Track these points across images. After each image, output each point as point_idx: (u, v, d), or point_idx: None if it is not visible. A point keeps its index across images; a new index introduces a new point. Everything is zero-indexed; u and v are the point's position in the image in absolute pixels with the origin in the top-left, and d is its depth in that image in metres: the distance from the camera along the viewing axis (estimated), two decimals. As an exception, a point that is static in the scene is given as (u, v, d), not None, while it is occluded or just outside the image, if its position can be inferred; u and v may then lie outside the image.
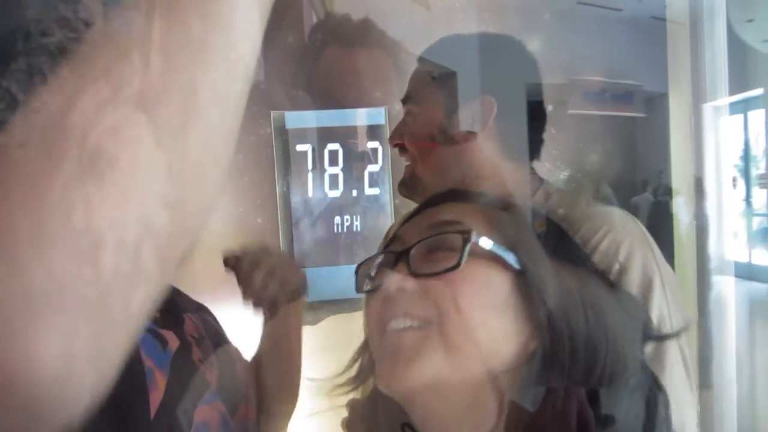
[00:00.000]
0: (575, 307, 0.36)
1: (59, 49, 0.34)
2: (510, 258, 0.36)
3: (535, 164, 0.61)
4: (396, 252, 0.38)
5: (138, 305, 0.23)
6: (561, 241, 0.41)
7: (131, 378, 0.45)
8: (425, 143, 0.58)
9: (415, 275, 0.36)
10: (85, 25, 0.42)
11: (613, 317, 0.37)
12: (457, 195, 0.42)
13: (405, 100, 0.61)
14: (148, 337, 0.48)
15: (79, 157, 0.20)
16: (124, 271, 0.21)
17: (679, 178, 1.22)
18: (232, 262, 0.58)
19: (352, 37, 0.75)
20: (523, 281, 0.36)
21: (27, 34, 0.31)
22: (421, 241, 0.37)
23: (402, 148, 0.62)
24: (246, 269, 0.57)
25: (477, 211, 0.40)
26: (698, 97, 1.24)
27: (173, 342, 0.50)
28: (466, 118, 0.54)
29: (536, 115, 0.60)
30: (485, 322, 0.36)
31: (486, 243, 0.36)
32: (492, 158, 0.54)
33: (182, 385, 0.48)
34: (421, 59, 0.62)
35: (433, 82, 0.58)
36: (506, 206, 0.41)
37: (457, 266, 0.35)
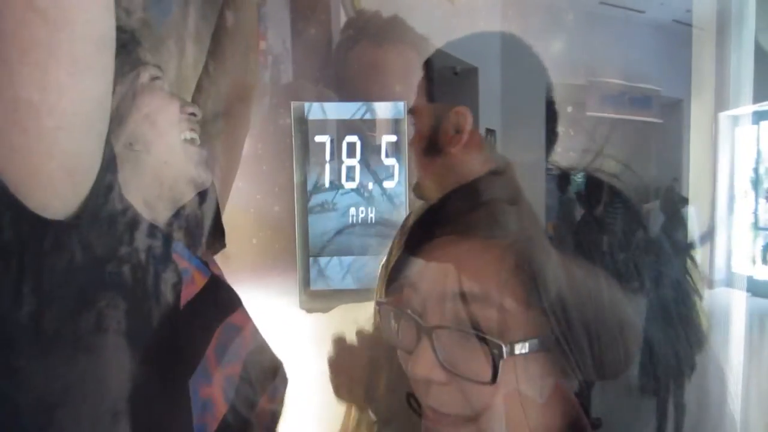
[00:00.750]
0: (584, 299, 0.35)
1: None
2: (545, 344, 0.33)
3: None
4: (417, 325, 0.35)
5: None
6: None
7: (165, 269, 0.48)
8: (419, 154, 0.59)
9: (443, 368, 0.34)
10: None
11: (626, 310, 0.36)
12: (458, 224, 0.37)
13: (410, 111, 0.62)
14: (182, 246, 0.52)
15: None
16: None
17: (696, 187, 1.21)
18: None
19: (381, 34, 0.77)
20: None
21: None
22: (444, 328, 0.34)
23: None
24: None
25: (494, 261, 0.35)
26: (720, 105, 1.22)
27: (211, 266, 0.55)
28: (447, 128, 0.54)
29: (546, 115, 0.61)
30: (528, 414, 0.35)
31: (522, 348, 0.33)
32: (483, 164, 0.55)
33: (217, 294, 0.53)
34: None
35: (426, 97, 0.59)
36: (513, 201, 0.40)
37: (492, 381, 0.32)
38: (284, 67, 0.80)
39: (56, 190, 0.38)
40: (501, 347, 0.32)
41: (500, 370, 0.32)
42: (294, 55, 0.80)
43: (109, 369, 0.43)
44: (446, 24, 0.83)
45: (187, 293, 0.50)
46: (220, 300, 0.55)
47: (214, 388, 0.49)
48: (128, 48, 0.45)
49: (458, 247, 0.36)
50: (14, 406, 0.38)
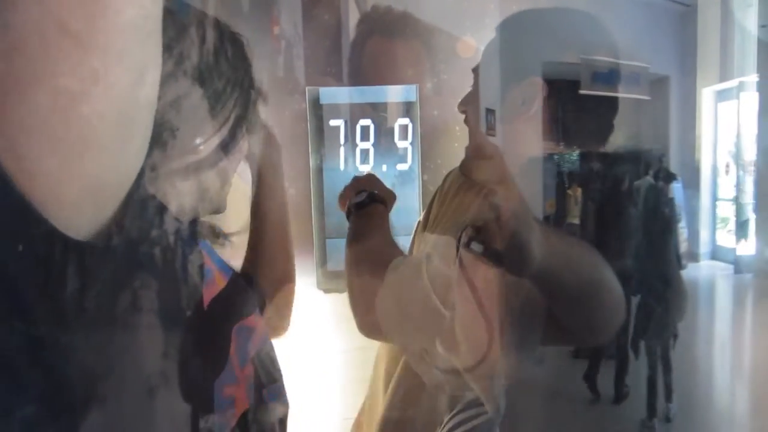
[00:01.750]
0: (567, 268, 0.38)
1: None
2: None
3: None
4: None
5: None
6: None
7: (191, 252, 0.49)
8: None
9: None
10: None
11: (608, 278, 0.39)
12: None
13: (475, 70, 0.59)
14: (206, 244, 0.54)
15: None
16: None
17: (682, 161, 1.24)
18: None
19: (392, 28, 0.79)
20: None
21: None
22: None
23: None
24: None
25: None
26: (705, 81, 1.23)
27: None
28: (515, 98, 0.54)
29: (602, 101, 0.58)
30: None
31: None
32: (535, 140, 0.54)
33: (237, 293, 0.55)
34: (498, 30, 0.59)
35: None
36: (501, 182, 0.43)
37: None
38: (296, 51, 0.81)
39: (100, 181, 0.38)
40: None
41: None
42: (305, 40, 0.81)
43: (144, 346, 0.46)
44: (453, 7, 0.83)
45: (209, 293, 0.51)
46: (239, 301, 0.56)
47: (240, 388, 0.51)
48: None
49: None
50: (63, 378, 0.41)
